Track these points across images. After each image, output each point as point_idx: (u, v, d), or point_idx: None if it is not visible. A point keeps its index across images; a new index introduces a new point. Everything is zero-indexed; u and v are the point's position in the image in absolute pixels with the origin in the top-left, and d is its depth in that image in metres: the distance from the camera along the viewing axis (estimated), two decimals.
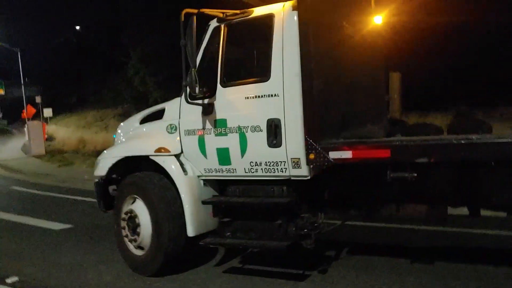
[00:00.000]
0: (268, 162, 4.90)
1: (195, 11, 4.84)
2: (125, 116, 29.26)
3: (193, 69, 4.82)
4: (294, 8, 4.73)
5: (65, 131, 31.22)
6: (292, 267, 5.52)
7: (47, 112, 29.54)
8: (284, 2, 4.87)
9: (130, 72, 25.31)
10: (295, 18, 4.70)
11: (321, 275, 5.34)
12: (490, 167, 4.04)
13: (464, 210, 4.86)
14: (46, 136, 25.99)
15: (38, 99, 27.75)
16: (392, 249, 5.99)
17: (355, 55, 5.54)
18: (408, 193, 4.49)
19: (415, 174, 4.16)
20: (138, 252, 5.63)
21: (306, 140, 4.55)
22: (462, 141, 3.92)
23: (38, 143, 23.18)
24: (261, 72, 4.94)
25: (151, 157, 5.52)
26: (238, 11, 5.07)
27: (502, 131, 4.87)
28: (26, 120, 26.24)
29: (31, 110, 26.90)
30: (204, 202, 5.32)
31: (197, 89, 4.86)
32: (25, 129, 25.50)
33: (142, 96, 25.39)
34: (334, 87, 4.86)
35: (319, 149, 4.46)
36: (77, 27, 42.46)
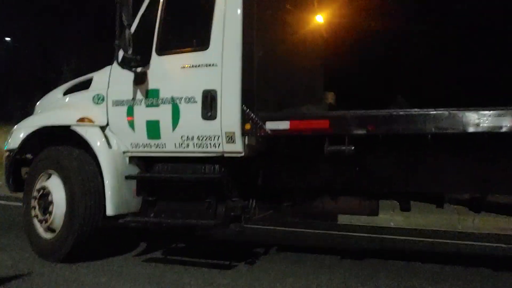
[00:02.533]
0: (201, 136, 4.60)
1: None
2: None
3: (127, 29, 4.50)
4: None
5: None
6: (218, 259, 5.14)
7: None
8: None
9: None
10: None
11: (248, 265, 5.00)
12: (427, 148, 3.99)
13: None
14: None
15: None
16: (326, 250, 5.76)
17: (296, 38, 5.43)
18: (344, 176, 4.33)
19: (353, 147, 4.01)
20: (48, 235, 5.03)
21: (242, 110, 4.31)
22: (401, 113, 3.86)
23: None
24: (200, 41, 4.69)
25: (72, 128, 5.03)
26: None
27: None
28: None
29: None
30: (127, 177, 4.88)
31: (130, 50, 4.53)
32: None
33: None
34: (274, 62, 4.70)
35: (256, 118, 4.23)
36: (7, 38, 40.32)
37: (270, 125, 4.21)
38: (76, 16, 22.92)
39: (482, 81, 4.87)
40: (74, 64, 23.41)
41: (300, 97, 5.11)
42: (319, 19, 6.45)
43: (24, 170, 5.60)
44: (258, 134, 4.28)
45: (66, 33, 23.98)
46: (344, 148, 4.04)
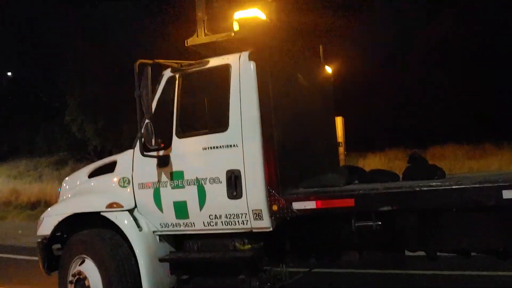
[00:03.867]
0: (229, 214, 4.74)
1: (150, 61, 4.72)
2: (60, 164, 28.03)
3: (148, 121, 4.65)
4: (251, 58, 4.73)
5: None
6: None
7: None
8: (240, 53, 4.86)
9: (66, 119, 24.39)
10: (252, 67, 4.69)
11: None
12: (450, 213, 4.12)
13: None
14: None
15: None
16: None
17: (309, 103, 5.61)
18: (371, 240, 4.47)
19: (380, 223, 4.16)
20: None
21: (268, 191, 4.46)
22: (425, 188, 3.98)
23: None
24: (219, 123, 4.84)
25: (102, 214, 5.19)
26: (193, 62, 4.99)
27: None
28: None
29: None
30: (161, 260, 5.03)
31: (153, 141, 4.68)
32: None
33: (80, 143, 24.48)
34: (292, 135, 4.85)
35: (283, 200, 4.37)
36: (9, 73, 40.53)
37: (297, 205, 4.35)
38: (77, 45, 23.07)
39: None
40: (78, 93, 23.59)
41: (319, 161, 5.26)
42: (328, 70, 6.64)
43: (54, 246, 5.77)
44: (285, 215, 4.42)
45: (68, 61, 24.12)
46: (371, 224, 4.19)
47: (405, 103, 19.26)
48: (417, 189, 4.03)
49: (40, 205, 18.32)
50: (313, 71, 6.15)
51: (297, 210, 4.36)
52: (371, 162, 17.42)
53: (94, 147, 23.31)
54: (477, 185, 3.86)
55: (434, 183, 4.05)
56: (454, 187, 3.93)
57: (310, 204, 4.30)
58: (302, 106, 5.30)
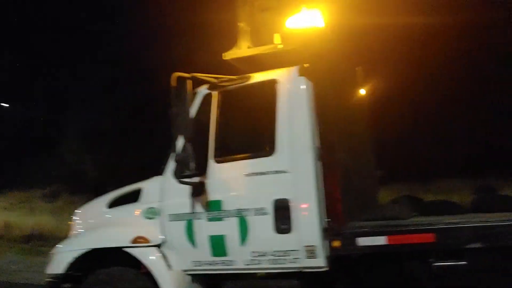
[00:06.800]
0: (276, 251, 4.11)
1: (189, 75, 4.18)
2: (53, 197, 27.06)
3: (187, 143, 4.06)
4: (301, 73, 4.20)
5: None
6: None
7: None
8: (288, 68, 4.33)
9: (63, 149, 23.67)
10: (303, 84, 4.16)
11: None
12: None
13: None
14: None
15: None
16: None
17: (356, 126, 5.07)
18: (453, 284, 3.82)
19: (465, 263, 3.53)
20: None
21: (328, 223, 3.84)
22: None
23: None
24: (264, 145, 4.27)
25: (126, 249, 4.52)
26: (234, 77, 4.45)
27: None
28: None
29: None
30: None
31: (193, 166, 4.07)
32: None
33: (76, 175, 23.67)
34: (349, 160, 4.27)
35: (346, 234, 3.74)
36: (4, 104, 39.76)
37: (363, 241, 3.73)
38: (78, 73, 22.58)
39: None
40: (80, 123, 22.94)
41: (370, 190, 4.67)
42: (363, 92, 6.16)
43: (65, 286, 5.05)
44: (349, 252, 3.79)
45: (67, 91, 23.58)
46: (454, 263, 3.56)
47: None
48: None
49: (33, 238, 17.40)
50: (354, 93, 5.63)
51: (363, 246, 3.73)
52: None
53: (92, 179, 22.50)
54: None
55: None
56: None
57: (380, 240, 3.68)
58: (352, 129, 4.75)
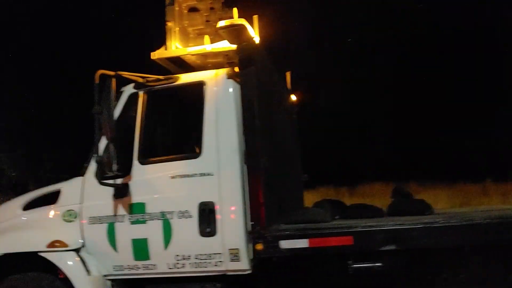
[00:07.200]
0: (200, 255, 4.07)
1: (113, 73, 4.03)
2: None
3: (110, 144, 3.92)
4: (229, 76, 4.19)
5: None
6: None
7: None
8: (216, 70, 4.31)
9: None
10: (231, 86, 4.15)
11: None
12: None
13: None
14: None
15: None
16: None
17: (283, 131, 5.14)
18: (370, 284, 3.95)
19: (380, 264, 3.67)
20: None
21: (252, 227, 3.84)
22: (436, 225, 3.57)
23: None
24: (190, 147, 4.22)
25: (41, 254, 4.28)
26: (161, 77, 4.36)
27: None
28: None
29: None
30: None
31: (115, 167, 3.93)
32: None
33: None
34: (274, 164, 4.30)
35: (269, 237, 3.77)
36: None
37: (286, 244, 3.77)
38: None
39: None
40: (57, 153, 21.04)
41: (291, 194, 4.74)
42: (293, 98, 6.28)
43: None
44: (272, 255, 3.82)
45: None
46: (371, 265, 3.69)
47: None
48: (429, 225, 3.61)
49: None
50: (283, 98, 5.71)
51: (286, 249, 3.77)
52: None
53: (9, 179, 21.12)
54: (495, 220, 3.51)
55: (440, 220, 3.66)
56: (464, 223, 3.56)
57: (301, 243, 3.74)
58: (279, 134, 4.81)
